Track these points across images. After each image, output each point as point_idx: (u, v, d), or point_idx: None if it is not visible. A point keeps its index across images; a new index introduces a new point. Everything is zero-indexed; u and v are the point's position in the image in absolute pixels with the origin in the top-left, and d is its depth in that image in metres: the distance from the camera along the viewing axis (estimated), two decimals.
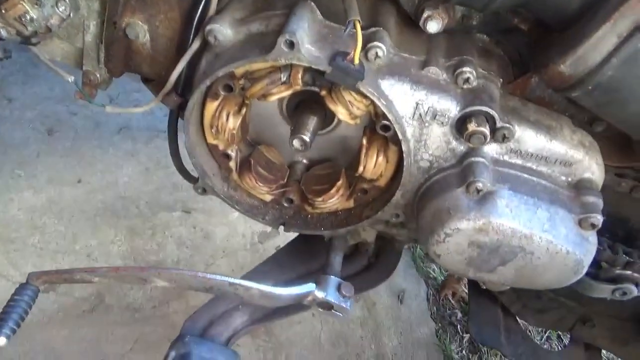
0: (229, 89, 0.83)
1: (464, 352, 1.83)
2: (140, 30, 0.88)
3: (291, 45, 0.71)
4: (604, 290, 1.05)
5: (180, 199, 2.01)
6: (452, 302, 1.90)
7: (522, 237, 0.74)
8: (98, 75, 0.94)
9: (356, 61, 0.64)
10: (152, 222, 1.92)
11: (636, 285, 1.05)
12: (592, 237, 0.77)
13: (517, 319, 1.35)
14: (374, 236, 1.08)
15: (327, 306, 0.88)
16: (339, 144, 0.97)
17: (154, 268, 0.79)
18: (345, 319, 1.73)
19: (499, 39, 0.82)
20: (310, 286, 0.87)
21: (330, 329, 1.76)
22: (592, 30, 0.57)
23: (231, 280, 0.81)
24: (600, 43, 0.57)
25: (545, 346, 1.88)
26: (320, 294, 0.87)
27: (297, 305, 0.91)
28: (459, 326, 1.87)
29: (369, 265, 1.14)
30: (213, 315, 0.96)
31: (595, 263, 1.04)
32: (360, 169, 0.88)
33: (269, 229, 1.84)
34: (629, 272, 1.03)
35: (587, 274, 1.05)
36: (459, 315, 1.91)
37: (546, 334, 1.92)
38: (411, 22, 0.80)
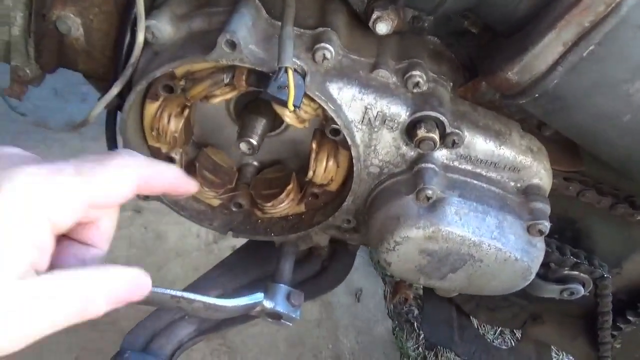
0: (169, 89, 0.78)
1: (420, 349, 1.84)
2: (72, 24, 0.81)
3: (232, 45, 0.67)
4: (552, 291, 1.06)
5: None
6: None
7: (472, 245, 0.73)
8: (28, 71, 0.86)
9: (290, 108, 0.63)
10: None
11: (583, 285, 1.08)
12: (540, 243, 0.77)
13: (470, 317, 1.36)
14: (327, 240, 1.05)
15: (276, 316, 0.85)
16: (290, 147, 0.93)
17: None
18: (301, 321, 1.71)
19: (450, 42, 0.81)
20: (258, 296, 0.83)
21: (286, 330, 1.73)
22: (537, 38, 0.56)
23: (173, 292, 0.75)
24: (546, 51, 0.56)
25: (498, 340, 1.92)
26: (268, 304, 0.83)
27: (245, 315, 0.87)
28: (415, 323, 1.89)
29: (323, 269, 1.12)
30: (156, 327, 0.91)
31: (544, 264, 1.06)
32: (310, 173, 0.85)
33: None
34: (575, 273, 1.05)
35: (536, 274, 1.08)
36: (416, 312, 1.92)
37: (499, 329, 1.97)
38: (361, 22, 0.77)
